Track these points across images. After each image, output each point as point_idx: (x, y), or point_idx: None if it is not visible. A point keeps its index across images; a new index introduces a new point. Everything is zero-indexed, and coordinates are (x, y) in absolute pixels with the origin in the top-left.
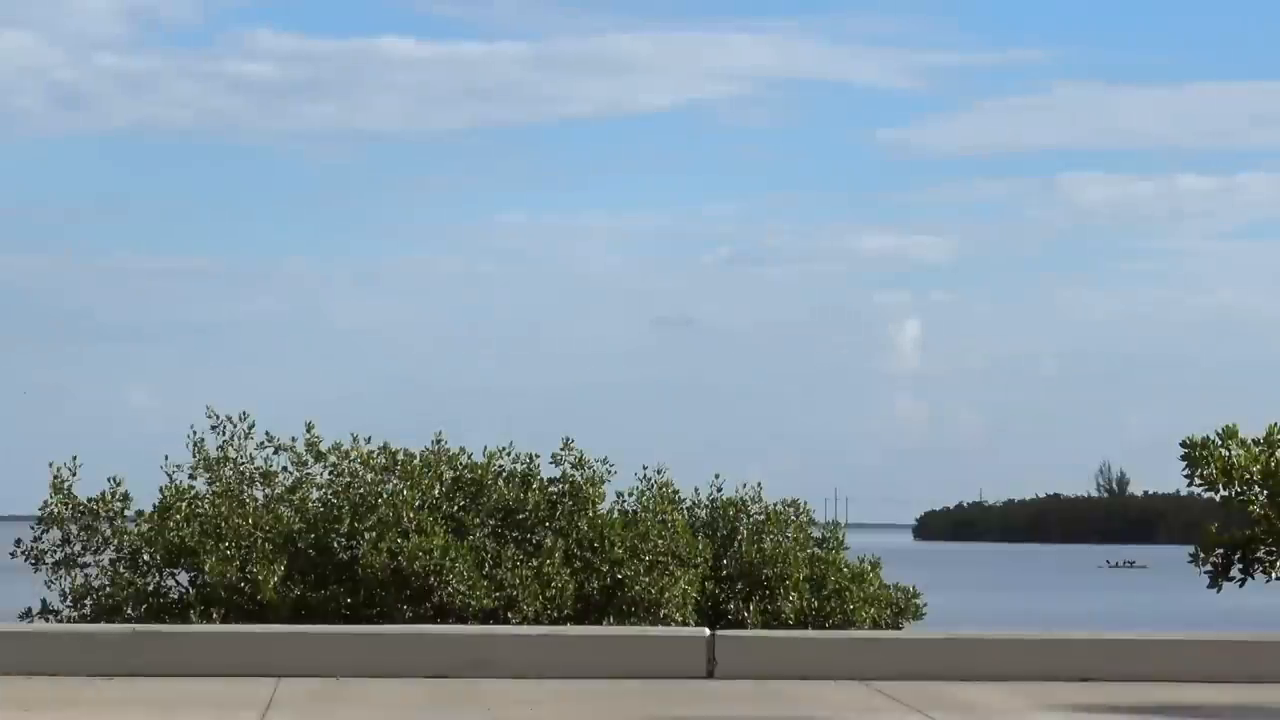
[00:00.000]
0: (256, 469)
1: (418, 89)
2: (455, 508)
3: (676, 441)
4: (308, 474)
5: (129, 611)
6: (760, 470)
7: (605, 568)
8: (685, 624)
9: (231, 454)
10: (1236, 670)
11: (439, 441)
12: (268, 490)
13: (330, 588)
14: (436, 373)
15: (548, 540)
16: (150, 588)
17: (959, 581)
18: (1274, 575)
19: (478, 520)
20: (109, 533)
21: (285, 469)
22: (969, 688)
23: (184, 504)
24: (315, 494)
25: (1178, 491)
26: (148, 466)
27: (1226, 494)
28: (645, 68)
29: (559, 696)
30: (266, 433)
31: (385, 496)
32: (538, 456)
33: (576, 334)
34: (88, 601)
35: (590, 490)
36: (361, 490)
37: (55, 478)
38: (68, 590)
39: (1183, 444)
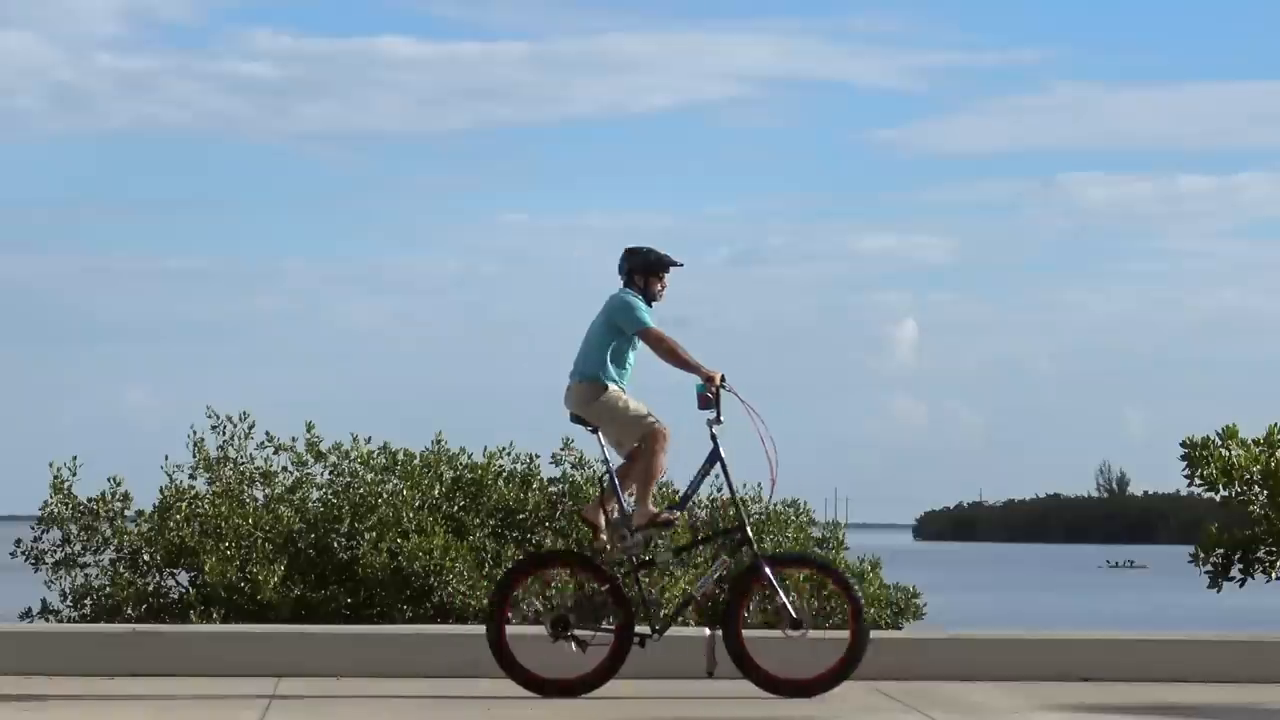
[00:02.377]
0: (256, 469)
1: (418, 89)
2: (455, 508)
3: (676, 441)
4: (308, 474)
5: (129, 611)
6: (760, 470)
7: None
8: (685, 624)
9: (232, 454)
10: (1236, 670)
11: (439, 441)
12: (268, 490)
13: (330, 588)
14: (436, 373)
15: (548, 540)
16: (150, 588)
17: (959, 581)
18: (1274, 575)
19: (478, 520)
20: (109, 533)
21: (285, 469)
22: (969, 688)
23: (184, 504)
24: (315, 494)
25: (1178, 491)
26: (148, 466)
27: (1226, 494)
28: (645, 68)
29: None
30: (266, 433)
31: (385, 496)
32: (538, 457)
33: (576, 334)
34: (88, 601)
35: (590, 490)
36: (361, 490)
37: (55, 478)
38: (68, 590)
39: (1183, 444)
